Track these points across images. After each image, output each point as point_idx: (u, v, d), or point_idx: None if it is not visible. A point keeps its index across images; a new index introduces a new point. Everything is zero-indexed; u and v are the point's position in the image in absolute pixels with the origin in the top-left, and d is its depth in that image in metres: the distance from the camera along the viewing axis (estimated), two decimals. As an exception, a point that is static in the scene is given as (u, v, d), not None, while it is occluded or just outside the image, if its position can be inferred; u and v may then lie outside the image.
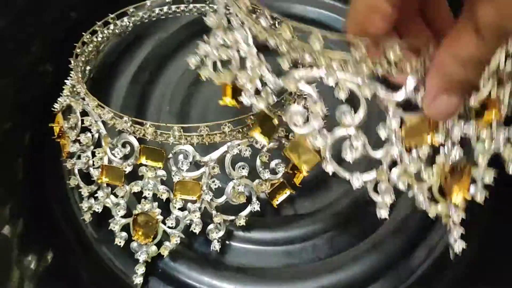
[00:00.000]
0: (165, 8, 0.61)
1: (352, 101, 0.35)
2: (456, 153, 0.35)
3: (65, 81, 0.52)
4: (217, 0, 0.40)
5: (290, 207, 0.52)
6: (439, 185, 0.36)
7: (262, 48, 0.37)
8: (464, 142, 0.35)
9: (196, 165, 0.46)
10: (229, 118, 0.45)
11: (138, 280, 0.46)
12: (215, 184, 0.46)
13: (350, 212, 0.46)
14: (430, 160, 0.35)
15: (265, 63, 0.37)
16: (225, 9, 0.39)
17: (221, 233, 0.48)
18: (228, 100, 0.38)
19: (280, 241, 0.50)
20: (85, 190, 0.48)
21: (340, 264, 0.48)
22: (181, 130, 0.44)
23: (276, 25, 0.38)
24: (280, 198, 0.48)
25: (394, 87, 0.34)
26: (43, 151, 0.54)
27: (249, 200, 0.47)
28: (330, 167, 0.37)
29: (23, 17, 0.56)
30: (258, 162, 0.46)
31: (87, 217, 0.49)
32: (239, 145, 0.45)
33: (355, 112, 0.35)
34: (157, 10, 0.61)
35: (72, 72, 0.51)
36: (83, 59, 0.54)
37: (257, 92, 0.37)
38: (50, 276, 0.46)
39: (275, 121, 0.40)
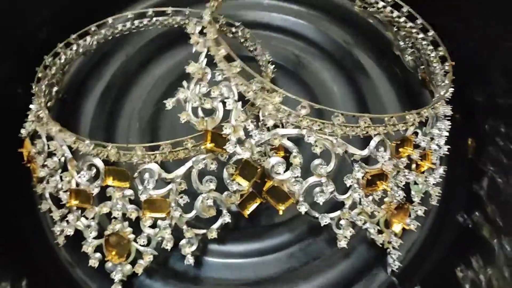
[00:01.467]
0: (128, 24, 0.61)
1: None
2: (400, 194, 0.46)
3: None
4: (198, 47, 0.44)
5: (264, 217, 0.53)
6: (384, 220, 0.47)
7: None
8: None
9: (164, 182, 0.46)
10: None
11: (116, 299, 0.47)
12: (184, 200, 0.46)
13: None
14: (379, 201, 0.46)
15: (250, 118, 0.44)
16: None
17: (194, 247, 0.48)
18: (209, 146, 0.43)
19: (255, 253, 0.50)
20: (56, 214, 0.48)
21: (315, 272, 0.49)
22: (144, 149, 0.44)
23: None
24: (251, 207, 0.48)
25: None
26: (14, 176, 0.54)
27: (219, 213, 0.47)
28: (303, 208, 0.45)
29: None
30: (225, 174, 0.46)
31: (61, 240, 0.49)
32: (204, 159, 0.46)
33: (327, 164, 0.43)
34: (120, 27, 0.61)
35: (34, 97, 0.51)
36: (46, 82, 0.54)
37: (239, 141, 0.44)
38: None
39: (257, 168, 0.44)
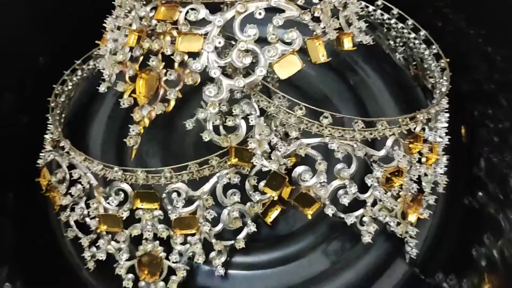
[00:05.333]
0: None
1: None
2: (414, 187, 0.49)
3: (45, 135, 0.53)
4: (213, 71, 0.43)
5: (284, 225, 0.55)
6: (401, 212, 0.50)
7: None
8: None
9: (189, 200, 0.48)
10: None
11: (151, 316, 0.48)
12: (211, 215, 0.48)
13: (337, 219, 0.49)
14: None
15: (274, 131, 0.46)
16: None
17: (223, 258, 0.50)
18: (234, 161, 0.45)
19: (278, 261, 0.53)
20: (84, 240, 0.49)
21: (338, 272, 0.52)
22: (172, 171, 0.46)
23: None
24: (273, 215, 0.51)
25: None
26: (31, 206, 0.55)
27: (244, 223, 0.49)
28: (329, 210, 0.47)
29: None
30: (247, 185, 0.48)
31: (91, 264, 0.50)
32: (227, 174, 0.47)
33: (349, 167, 0.46)
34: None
35: (50, 125, 0.52)
36: (58, 111, 0.55)
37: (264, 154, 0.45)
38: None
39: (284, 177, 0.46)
